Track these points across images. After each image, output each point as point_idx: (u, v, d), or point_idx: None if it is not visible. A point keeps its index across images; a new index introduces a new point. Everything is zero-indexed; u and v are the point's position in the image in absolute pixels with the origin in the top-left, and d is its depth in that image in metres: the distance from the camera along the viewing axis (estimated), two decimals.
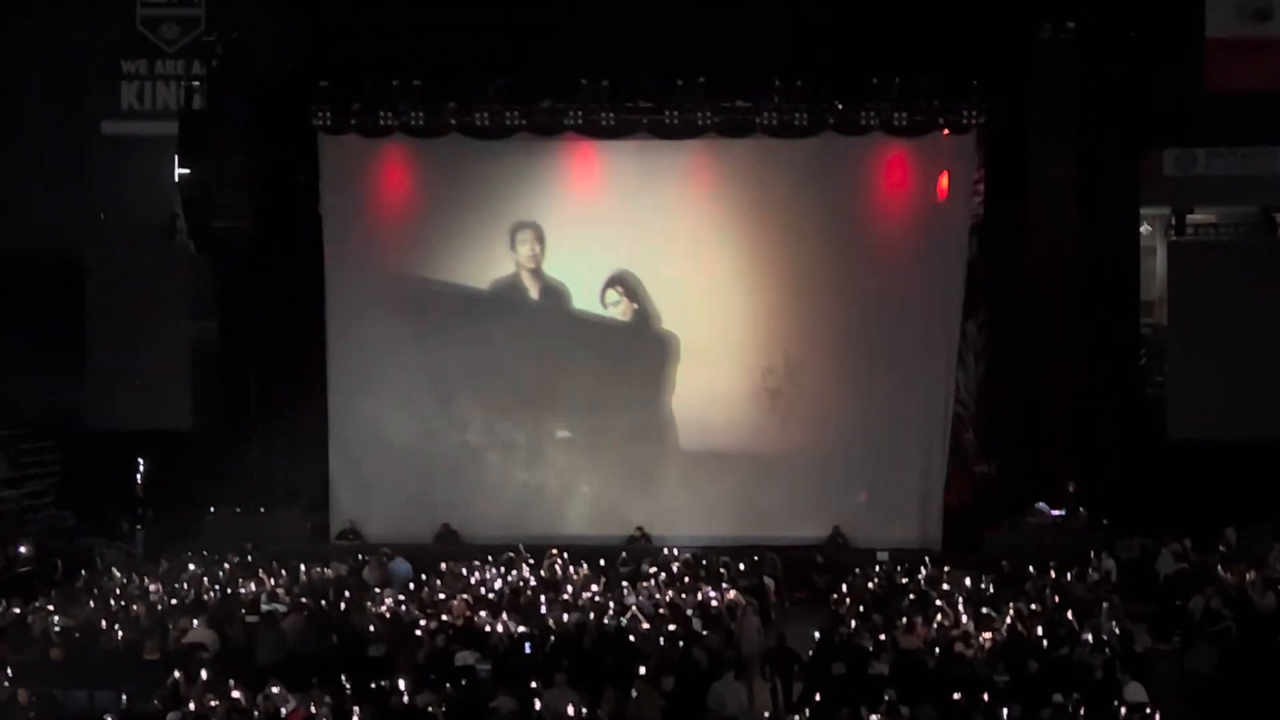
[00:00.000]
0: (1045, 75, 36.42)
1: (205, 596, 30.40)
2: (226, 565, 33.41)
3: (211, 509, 37.69)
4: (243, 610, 28.93)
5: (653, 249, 38.52)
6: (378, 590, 31.13)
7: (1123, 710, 22.83)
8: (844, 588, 32.11)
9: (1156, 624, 30.63)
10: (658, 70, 37.31)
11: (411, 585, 32.56)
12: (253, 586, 31.32)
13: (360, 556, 35.29)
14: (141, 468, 40.66)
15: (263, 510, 37.86)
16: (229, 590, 31.02)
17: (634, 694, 23.97)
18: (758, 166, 38.13)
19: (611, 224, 38.53)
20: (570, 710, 22.84)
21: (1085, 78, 36.69)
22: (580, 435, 38.73)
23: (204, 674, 24.18)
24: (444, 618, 28.31)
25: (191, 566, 33.37)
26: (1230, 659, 26.70)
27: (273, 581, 31.88)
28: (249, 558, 34.39)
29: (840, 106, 37.43)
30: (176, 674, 24.01)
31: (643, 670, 24.55)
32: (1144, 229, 40.04)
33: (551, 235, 38.74)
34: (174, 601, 29.89)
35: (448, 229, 38.86)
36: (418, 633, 27.36)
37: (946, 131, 37.43)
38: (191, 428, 39.02)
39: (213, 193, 38.24)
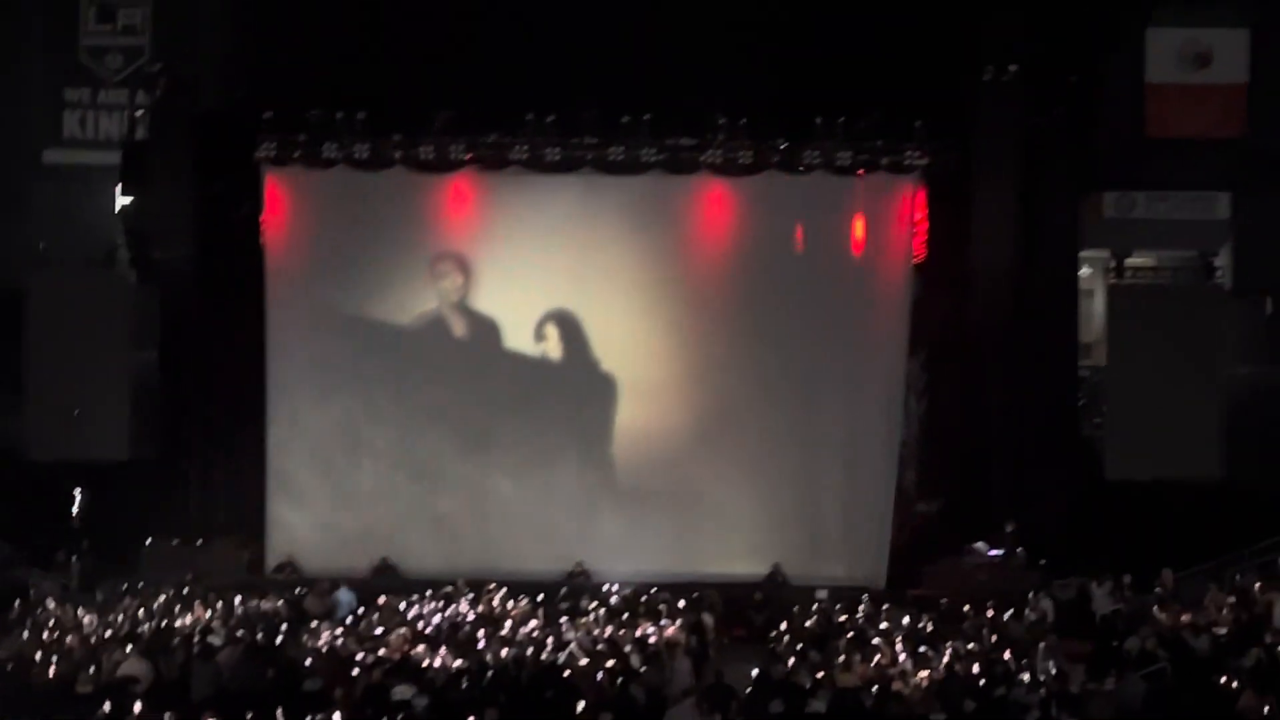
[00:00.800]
0: (987, 117, 36.75)
1: (140, 629, 30.12)
2: (162, 597, 33.12)
3: (148, 540, 37.42)
4: (177, 643, 28.66)
5: (591, 286, 38.49)
6: (315, 623, 30.91)
7: None
8: (782, 626, 32.08)
9: (1093, 664, 30.67)
10: (603, 106, 37.41)
11: (361, 611, 32.58)
12: (188, 619, 31.06)
13: (297, 590, 35.10)
14: (78, 498, 40.27)
15: (200, 542, 37.62)
16: (164, 622, 30.75)
17: None
18: (701, 204, 38.20)
19: (550, 260, 38.50)
20: None
21: (1027, 120, 36.97)
22: (519, 471, 38.61)
23: (137, 707, 23.92)
24: (381, 652, 28.15)
25: (127, 598, 33.08)
26: (1164, 699, 26.78)
27: (209, 614, 31.63)
28: (185, 590, 34.12)
29: (784, 145, 37.59)
30: (107, 707, 23.75)
31: (581, 706, 24.45)
32: (1083, 271, 40.29)
33: (487, 270, 38.67)
34: (108, 633, 29.59)
35: (390, 263, 38.80)
36: (355, 667, 27.17)
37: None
38: (129, 458, 38.73)
39: (154, 223, 38.08)
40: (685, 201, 38.39)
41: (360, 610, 32.96)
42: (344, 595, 34.35)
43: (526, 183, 38.45)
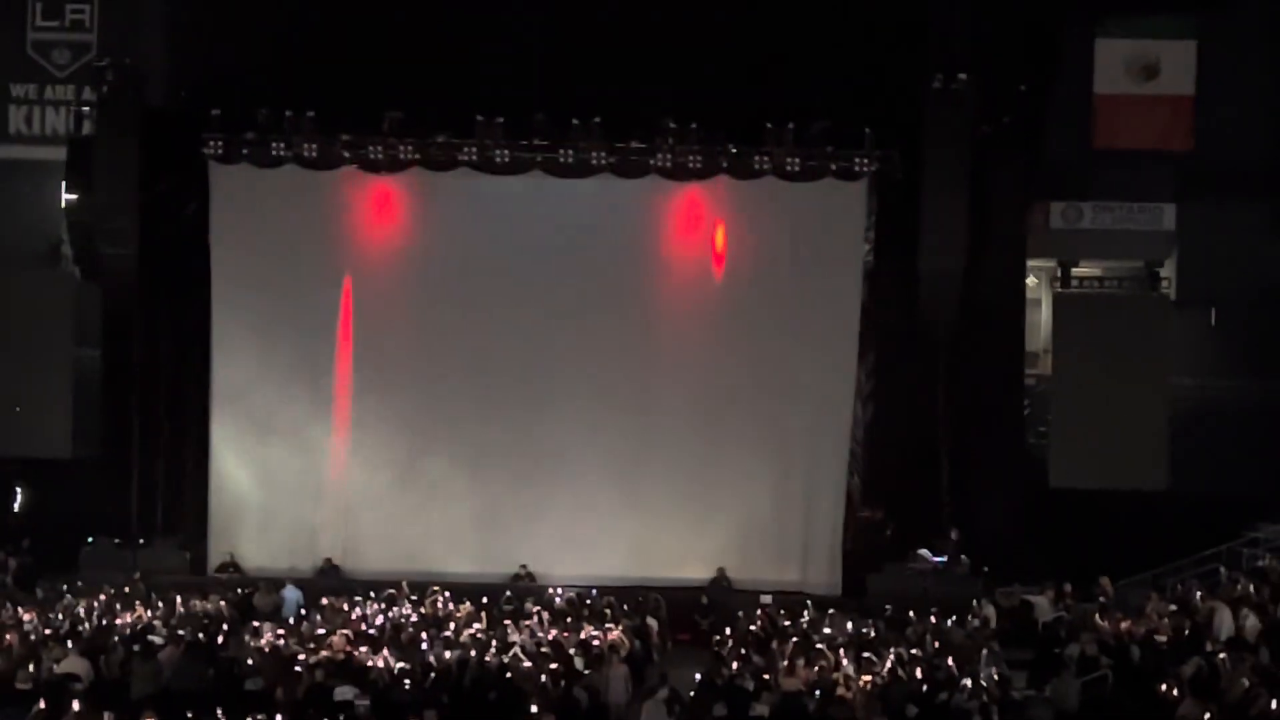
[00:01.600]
0: (936, 125, 36.75)
1: (80, 627, 29.91)
2: (103, 596, 32.89)
3: (89, 539, 37.16)
4: (118, 641, 28.47)
5: (538, 289, 38.41)
6: (257, 623, 30.76)
7: None
8: (727, 630, 32.09)
9: (1034, 670, 30.78)
10: (553, 109, 37.37)
11: (304, 610, 32.60)
12: (129, 617, 30.85)
13: (240, 590, 34.94)
14: (19, 496, 39.99)
15: (141, 541, 37.40)
16: (104, 621, 30.55)
17: None
18: (650, 207, 38.20)
19: (496, 263, 38.40)
20: None
21: (975, 129, 37.08)
22: (465, 473, 38.51)
23: (76, 705, 23.74)
24: (324, 653, 28.01)
25: (68, 596, 32.84)
26: (1099, 700, 26.99)
27: (150, 613, 31.44)
28: (126, 589, 33.90)
29: (734, 150, 37.61)
30: (42, 703, 23.54)
31: (535, 709, 24.37)
32: (1030, 280, 40.47)
33: (434, 271, 38.54)
34: (48, 631, 29.36)
35: (334, 261, 38.63)
36: (297, 667, 27.03)
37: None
38: (72, 456, 38.46)
39: (100, 219, 37.70)
40: (634, 205, 38.31)
41: (302, 611, 32.84)
42: (290, 593, 34.35)
43: (475, 184, 38.31)
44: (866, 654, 28.28)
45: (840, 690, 25.89)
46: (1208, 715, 23.75)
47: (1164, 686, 26.21)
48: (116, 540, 37.24)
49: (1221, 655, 26.56)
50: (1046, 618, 32.93)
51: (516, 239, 38.55)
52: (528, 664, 27.33)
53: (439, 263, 38.68)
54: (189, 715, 23.30)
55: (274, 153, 37.92)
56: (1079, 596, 33.56)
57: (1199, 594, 31.85)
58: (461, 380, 38.55)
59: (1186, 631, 29.36)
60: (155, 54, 39.79)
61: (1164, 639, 29.39)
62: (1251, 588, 31.06)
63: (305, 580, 36.23)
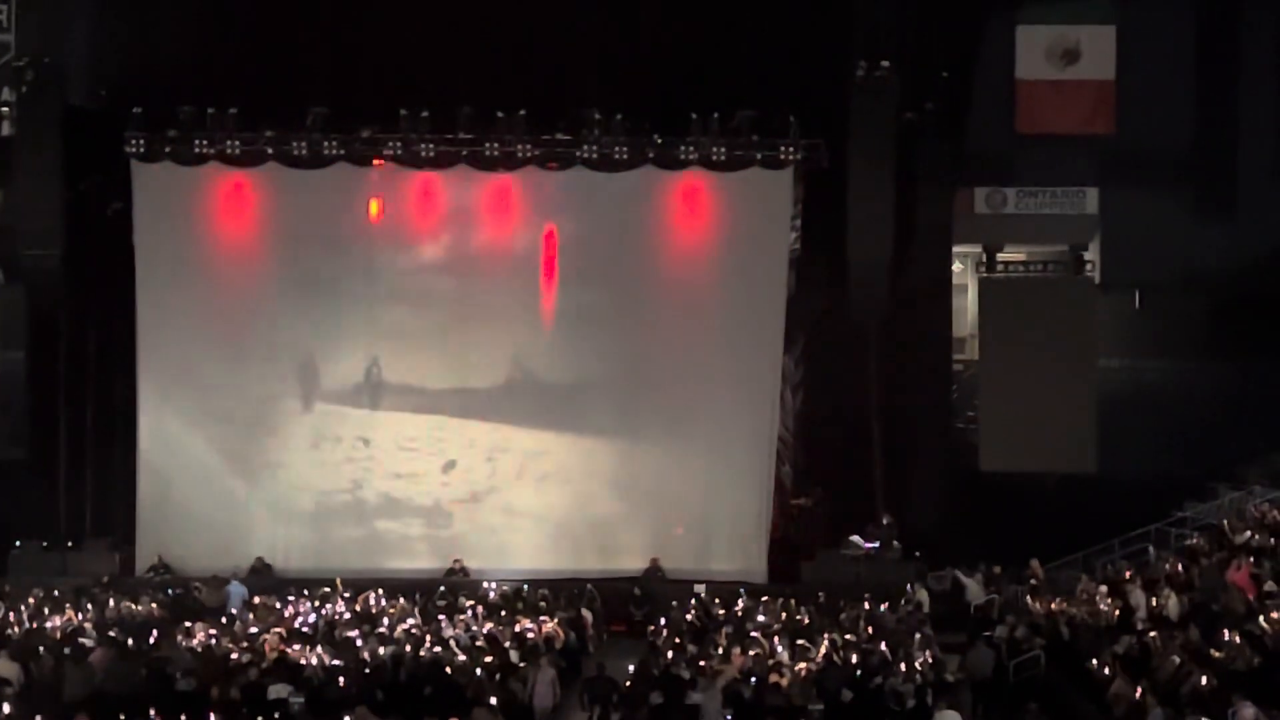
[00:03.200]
0: (860, 113, 36.90)
1: (9, 631, 29.63)
2: (31, 599, 32.59)
3: (17, 543, 36.82)
4: (48, 645, 28.23)
5: (467, 282, 38.35)
6: (189, 624, 30.56)
7: None
8: (661, 620, 32.14)
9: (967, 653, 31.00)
10: (479, 102, 37.28)
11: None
12: (59, 620, 30.59)
13: (169, 591, 34.74)
14: None
15: (70, 544, 37.10)
16: (34, 624, 30.28)
17: None
18: (576, 199, 38.19)
19: (434, 253, 38.29)
20: None
21: (899, 116, 37.23)
22: (396, 468, 38.41)
23: (6, 708, 23.54)
24: (262, 650, 27.87)
25: None
26: (1037, 685, 27.24)
27: (80, 616, 31.18)
28: (55, 592, 33.61)
29: (659, 141, 37.65)
30: None
31: (494, 701, 24.28)
32: (955, 266, 40.67)
33: (364, 267, 38.47)
34: None
35: (262, 258, 38.43)
36: (230, 666, 26.89)
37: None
38: None
39: (22, 221, 37.32)
40: (559, 196, 38.29)
41: (233, 611, 32.68)
42: (236, 588, 34.31)
43: (403, 178, 38.21)
44: (801, 641, 28.39)
45: (775, 677, 25.95)
46: (1139, 693, 23.95)
47: (1095, 665, 26.46)
48: (44, 543, 36.91)
49: (1152, 634, 26.79)
50: (978, 600, 33.16)
51: (437, 228, 38.39)
52: (462, 658, 27.27)
53: (364, 258, 38.49)
54: (121, 717, 23.12)
55: (197, 150, 37.67)
56: (1009, 579, 33.79)
57: (1128, 573, 32.15)
58: (389, 375, 38.38)
59: (1117, 612, 29.60)
60: (75, 53, 39.43)
61: (1093, 619, 29.63)
62: (1180, 566, 31.35)
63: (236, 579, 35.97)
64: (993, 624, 30.78)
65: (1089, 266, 40.58)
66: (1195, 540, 33.84)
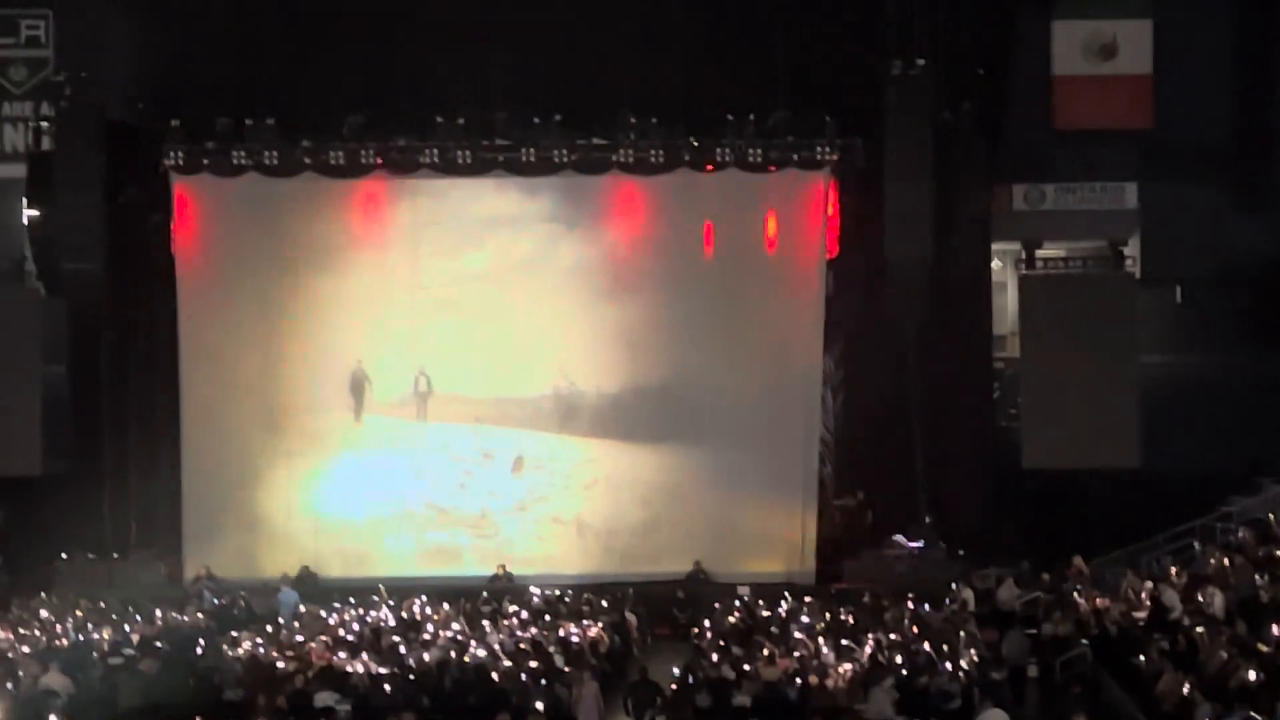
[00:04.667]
0: (897, 112, 36.83)
1: (57, 643, 29.79)
2: (78, 611, 32.76)
3: (64, 555, 37.01)
4: (96, 656, 28.39)
5: (508, 288, 38.42)
6: (235, 633, 30.70)
7: None
8: (705, 622, 32.13)
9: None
10: (513, 108, 37.34)
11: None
12: (107, 632, 30.74)
13: (216, 600, 34.87)
14: None
15: (116, 555, 37.28)
16: (81, 636, 30.44)
17: None
18: (615, 203, 38.21)
19: (464, 261, 38.39)
20: None
21: (936, 114, 37.15)
22: (439, 474, 38.53)
23: None
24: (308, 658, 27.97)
25: (44, 613, 32.72)
26: (1084, 682, 27.17)
27: (127, 626, 31.33)
28: (102, 603, 33.79)
29: (695, 143, 37.63)
30: None
31: (540, 705, 24.31)
32: (995, 264, 40.56)
33: (399, 274, 38.56)
34: (25, 649, 29.23)
35: (302, 267, 38.56)
36: (277, 675, 26.99)
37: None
38: (43, 473, 38.32)
39: (62, 235, 37.53)
40: (598, 201, 38.33)
41: (280, 620, 32.79)
42: (287, 595, 34.43)
43: (438, 186, 38.29)
44: (845, 641, 28.34)
45: (819, 678, 25.92)
46: (1187, 688, 23.85)
47: (1143, 661, 26.36)
48: (91, 555, 37.08)
49: (1199, 629, 26.67)
50: (1009, 605, 33.01)
51: (480, 237, 38.49)
52: (507, 663, 27.31)
53: (402, 265, 38.59)
54: None
55: (235, 161, 37.80)
56: (1056, 577, 33.65)
57: (1174, 570, 32.01)
58: (435, 384, 38.47)
59: (1148, 612, 29.54)
60: (113, 67, 39.67)
61: (1140, 615, 29.53)
62: (1226, 561, 31.19)
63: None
64: (1037, 622, 30.70)
65: (1129, 262, 40.37)
66: (1241, 535, 33.67)
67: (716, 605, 33.61)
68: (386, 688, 26.04)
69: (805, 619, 31.18)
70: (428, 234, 38.75)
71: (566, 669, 27.21)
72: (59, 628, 31.18)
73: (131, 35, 40.11)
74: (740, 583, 35.91)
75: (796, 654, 27.51)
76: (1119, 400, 37.82)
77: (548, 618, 32.00)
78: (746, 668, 26.58)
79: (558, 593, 34.80)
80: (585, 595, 34.28)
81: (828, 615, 31.52)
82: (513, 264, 38.48)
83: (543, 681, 26.27)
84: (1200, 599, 29.16)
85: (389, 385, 38.61)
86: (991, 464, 38.37)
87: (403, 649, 28.64)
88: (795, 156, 37.64)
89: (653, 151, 37.62)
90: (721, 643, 29.04)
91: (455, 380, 38.55)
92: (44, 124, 39.68)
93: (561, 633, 30.04)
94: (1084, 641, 28.89)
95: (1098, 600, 31.08)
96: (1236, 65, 41.26)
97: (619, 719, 26.68)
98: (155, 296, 38.56)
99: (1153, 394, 38.45)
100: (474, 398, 38.51)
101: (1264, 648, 24.87)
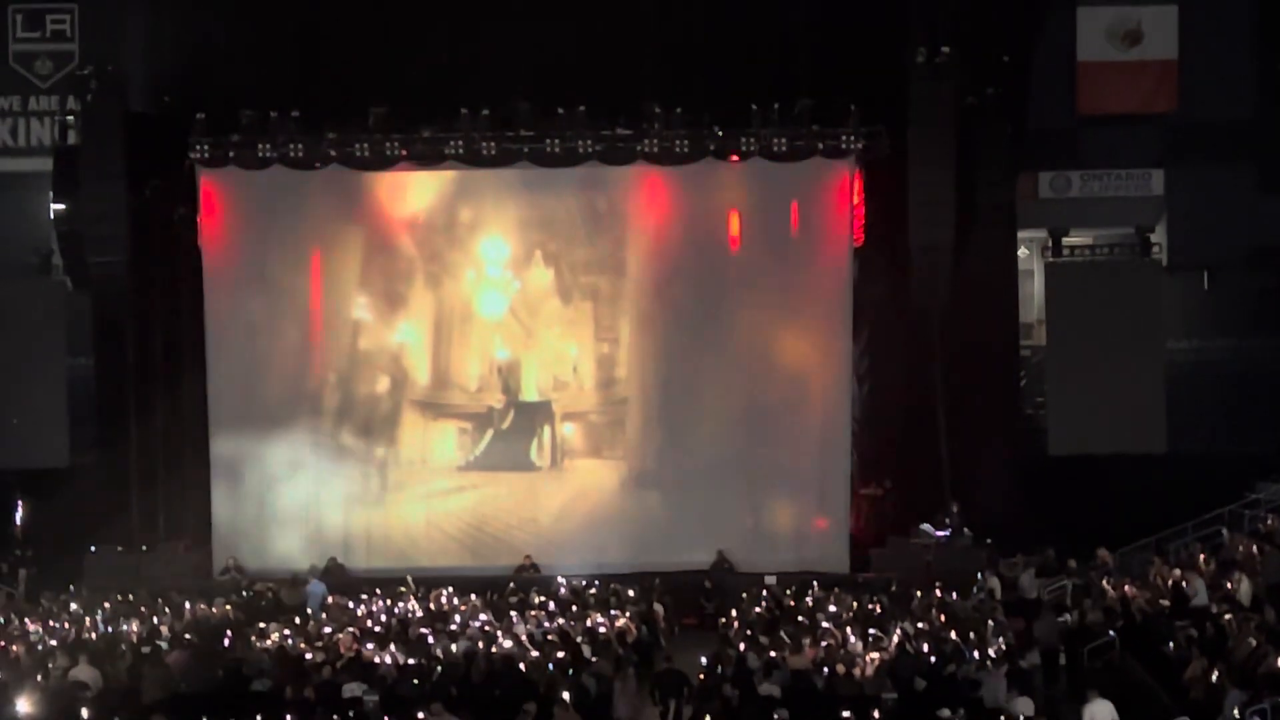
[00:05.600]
0: (921, 100, 36.70)
1: (86, 635, 29.92)
2: (106, 604, 32.88)
3: (92, 548, 37.14)
4: (125, 648, 28.50)
5: (536, 279, 38.45)
6: (263, 624, 30.79)
7: None
8: (732, 612, 32.13)
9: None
10: (538, 98, 37.33)
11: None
12: (135, 624, 30.86)
13: (245, 593, 34.97)
14: (20, 508, 39.97)
15: (144, 548, 37.38)
16: (110, 629, 30.56)
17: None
18: (641, 193, 38.19)
19: (503, 252, 38.46)
20: None
21: (961, 102, 37.03)
22: (465, 465, 38.57)
23: (85, 712, 23.77)
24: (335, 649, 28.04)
25: (73, 606, 32.86)
26: (1113, 669, 27.13)
27: (156, 619, 31.44)
28: (131, 596, 33.90)
29: (720, 133, 37.58)
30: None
31: (566, 696, 24.34)
32: (1021, 252, 40.46)
33: (426, 266, 38.58)
34: (54, 642, 29.36)
35: (329, 260, 38.61)
36: (305, 666, 27.07)
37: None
38: (70, 466, 38.48)
39: (88, 228, 37.62)
40: (623, 191, 38.31)
41: (308, 611, 32.88)
42: (315, 587, 34.46)
43: (464, 177, 38.33)
44: (873, 630, 28.34)
45: (846, 667, 25.91)
46: (1215, 675, 23.81)
47: (1171, 647, 26.32)
48: (119, 547, 37.21)
49: (1228, 615, 26.62)
50: (1030, 594, 32.97)
51: (508, 228, 38.52)
52: (535, 654, 27.35)
53: (427, 257, 38.63)
54: (204, 719, 23.25)
55: (260, 154, 37.85)
56: (1080, 565, 33.58)
57: (1202, 556, 31.96)
58: (458, 373, 38.52)
59: (1170, 600, 29.51)
60: (137, 60, 39.85)
61: (1168, 603, 29.47)
62: (1255, 549, 31.12)
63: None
64: (1067, 609, 30.67)
65: (1156, 248, 40.27)
66: (1269, 521, 33.58)
67: (744, 595, 33.64)
68: (414, 679, 26.09)
69: (832, 608, 31.17)
70: (451, 224, 38.73)
71: (594, 659, 27.26)
72: (88, 620, 31.30)
73: (156, 29, 40.21)
74: (767, 573, 35.88)
75: (824, 643, 27.51)
76: (1146, 387, 37.75)
77: (575, 608, 32.04)
78: (773, 656, 26.60)
79: (584, 583, 34.82)
80: (612, 585, 34.28)
81: (854, 604, 31.50)
82: (539, 253, 38.42)
83: (570, 672, 26.31)
84: (1229, 586, 29.12)
85: (411, 375, 38.65)
86: (1018, 452, 38.27)
87: (430, 640, 28.70)
88: (820, 145, 37.55)
89: (677, 142, 37.55)
90: (748, 632, 29.04)
91: (475, 371, 38.58)
92: (69, 118, 39.77)
93: (589, 623, 30.07)
94: (1111, 633, 28.83)
95: (1125, 588, 31.03)
96: (1261, 50, 41.06)
97: (646, 706, 26.75)
98: (181, 289, 38.65)
99: (1180, 380, 38.40)
100: (497, 389, 38.50)
101: None
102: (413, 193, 38.66)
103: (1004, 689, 24.65)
